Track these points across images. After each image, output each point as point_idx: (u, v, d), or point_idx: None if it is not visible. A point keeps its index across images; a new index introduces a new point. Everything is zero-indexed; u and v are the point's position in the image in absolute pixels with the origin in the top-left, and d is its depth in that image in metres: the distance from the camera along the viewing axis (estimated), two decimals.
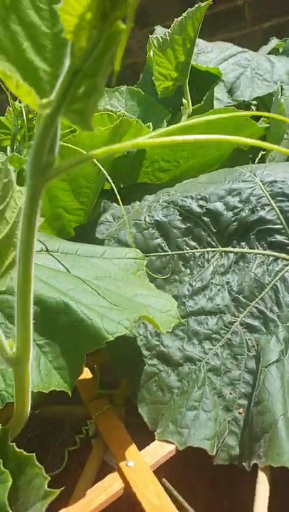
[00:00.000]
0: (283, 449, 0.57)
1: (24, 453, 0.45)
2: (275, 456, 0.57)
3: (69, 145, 0.63)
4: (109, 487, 0.59)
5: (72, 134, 0.66)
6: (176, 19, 0.99)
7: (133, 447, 0.64)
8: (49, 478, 0.43)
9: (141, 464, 0.60)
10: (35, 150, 0.32)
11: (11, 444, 0.45)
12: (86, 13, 0.28)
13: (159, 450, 0.63)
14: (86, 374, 0.81)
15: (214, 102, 1.18)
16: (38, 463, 0.44)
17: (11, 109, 0.67)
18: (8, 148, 0.70)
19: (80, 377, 0.79)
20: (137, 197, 0.88)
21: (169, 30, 1.01)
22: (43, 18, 0.31)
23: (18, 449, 0.45)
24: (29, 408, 0.51)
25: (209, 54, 1.27)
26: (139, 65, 1.30)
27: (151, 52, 1.08)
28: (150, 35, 1.02)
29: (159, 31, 1.27)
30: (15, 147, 0.72)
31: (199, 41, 1.28)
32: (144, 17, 2.51)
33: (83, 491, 0.60)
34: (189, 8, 0.97)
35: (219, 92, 1.21)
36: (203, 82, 1.20)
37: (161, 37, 1.00)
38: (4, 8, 0.29)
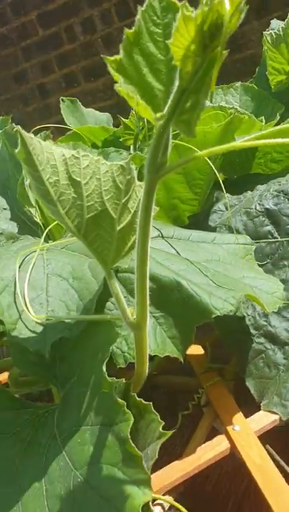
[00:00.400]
0: None
1: (143, 401, 0.54)
2: None
3: (184, 143, 0.71)
4: (217, 446, 0.67)
5: None
6: None
7: (240, 415, 0.71)
8: (163, 422, 0.52)
9: (246, 429, 0.67)
10: (152, 152, 0.40)
11: (133, 394, 0.55)
12: (191, 45, 0.35)
13: (264, 419, 0.69)
14: (198, 350, 0.89)
15: None
16: (154, 410, 0.53)
17: (134, 112, 0.77)
18: (131, 146, 0.80)
19: (193, 353, 0.89)
20: (249, 187, 0.94)
21: (283, 24, 1.03)
22: (159, 48, 0.39)
23: (138, 399, 0.54)
24: (147, 369, 0.60)
25: None
26: (258, 57, 1.33)
27: (265, 46, 1.11)
28: (264, 32, 1.05)
29: (274, 24, 1.29)
30: (137, 146, 0.82)
31: None
32: (264, 6, 2.50)
33: (194, 448, 0.69)
34: None
35: None
36: None
37: (275, 32, 1.03)
38: (129, 43, 0.38)
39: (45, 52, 3.16)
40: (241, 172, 0.99)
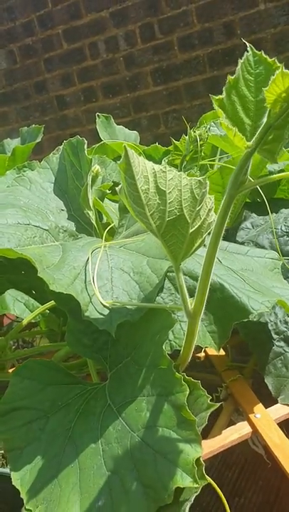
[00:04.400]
0: None
1: (192, 379, 0.64)
2: None
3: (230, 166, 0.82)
4: (241, 429, 0.76)
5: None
6: None
7: (260, 405, 0.81)
8: (210, 397, 0.62)
9: (266, 416, 0.77)
10: (236, 173, 0.51)
11: (183, 373, 0.65)
12: (282, 93, 0.46)
13: (281, 410, 0.79)
14: (220, 352, 0.99)
15: None
16: (202, 387, 0.63)
17: (186, 137, 0.88)
18: (178, 166, 0.91)
19: (215, 354, 0.98)
20: (274, 210, 1.05)
21: None
22: (251, 91, 0.50)
23: (187, 377, 0.64)
24: (191, 354, 0.70)
25: None
26: None
27: None
28: None
29: None
30: (183, 165, 0.93)
31: None
32: (284, 43, 2.66)
33: (219, 431, 0.78)
34: None
35: None
36: None
37: None
38: (230, 86, 0.49)
39: (67, 66, 3.30)
40: (267, 196, 1.10)
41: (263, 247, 0.96)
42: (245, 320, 0.77)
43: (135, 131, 1.71)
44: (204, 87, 2.88)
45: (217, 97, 0.49)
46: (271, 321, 0.88)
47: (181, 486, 0.55)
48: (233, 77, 0.49)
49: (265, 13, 2.66)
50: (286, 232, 0.95)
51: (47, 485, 0.64)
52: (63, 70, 3.33)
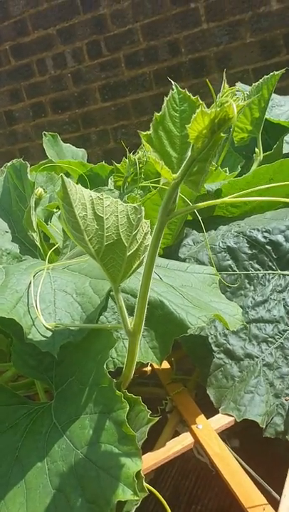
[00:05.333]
0: None
1: (133, 396, 0.67)
2: None
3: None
4: (184, 440, 0.80)
5: None
6: (254, 84, 1.22)
7: (202, 416, 0.84)
8: (150, 412, 0.65)
9: (207, 427, 0.81)
10: (165, 201, 0.55)
11: (124, 390, 0.68)
12: (203, 130, 0.50)
13: (222, 420, 0.83)
14: (165, 365, 1.03)
15: (285, 146, 1.38)
16: (142, 403, 0.66)
17: (126, 159, 0.92)
18: (121, 188, 0.95)
19: (161, 368, 1.02)
20: (213, 227, 1.10)
21: (248, 91, 1.23)
22: (176, 127, 0.54)
23: (128, 394, 0.67)
24: (133, 371, 0.73)
25: (282, 107, 1.48)
26: None
27: None
28: (250, 100, 1.25)
29: (239, 87, 1.49)
30: (125, 187, 0.96)
31: (275, 96, 1.49)
32: (226, 61, 2.77)
33: (163, 444, 0.81)
34: (265, 76, 1.19)
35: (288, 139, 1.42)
36: (274, 131, 1.41)
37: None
38: (156, 122, 0.53)
39: (16, 81, 3.29)
40: (207, 214, 1.16)
41: (203, 263, 1.00)
42: (187, 334, 0.81)
43: (83, 149, 1.73)
44: (151, 103, 2.95)
45: (144, 133, 0.52)
46: (211, 334, 0.92)
47: (123, 500, 0.57)
48: (159, 114, 0.53)
49: (207, 32, 2.77)
50: (223, 248, 1.00)
51: None
52: (11, 86, 3.33)
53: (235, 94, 0.49)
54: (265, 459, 0.90)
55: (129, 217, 0.61)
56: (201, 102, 0.50)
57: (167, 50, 2.86)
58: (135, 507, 0.59)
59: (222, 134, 0.51)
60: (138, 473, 0.59)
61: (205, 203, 0.54)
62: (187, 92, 0.54)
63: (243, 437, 0.99)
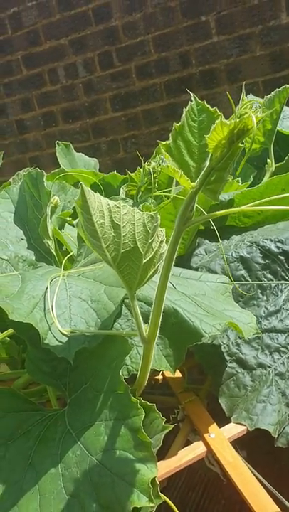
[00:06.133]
0: None
1: (148, 403, 0.67)
2: None
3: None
4: (196, 449, 0.80)
5: None
6: (266, 96, 1.23)
7: (214, 425, 0.84)
8: (165, 419, 0.65)
9: (220, 436, 0.81)
10: (183, 210, 0.56)
11: (139, 397, 0.68)
12: (222, 140, 0.51)
13: (234, 429, 0.83)
14: (177, 374, 1.03)
15: None
16: (157, 410, 0.66)
17: (140, 169, 0.93)
18: (134, 197, 0.96)
19: (172, 376, 1.02)
20: (225, 236, 1.11)
21: (260, 104, 1.24)
22: (194, 137, 0.55)
23: (143, 401, 0.67)
24: (147, 378, 0.74)
25: None
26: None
27: None
28: (268, 112, 1.26)
29: (251, 98, 1.51)
30: (139, 196, 0.97)
31: (286, 108, 1.51)
32: (236, 74, 2.79)
33: (175, 452, 0.81)
34: (277, 89, 1.20)
35: None
36: (285, 143, 1.42)
37: None
38: (175, 132, 0.54)
39: (27, 91, 3.33)
40: (219, 223, 1.16)
41: (215, 272, 1.01)
42: (200, 343, 0.82)
43: (94, 159, 1.75)
44: (161, 113, 2.97)
45: (164, 143, 0.53)
46: (224, 344, 0.92)
47: (138, 506, 0.58)
48: (178, 124, 0.54)
49: (218, 44, 2.80)
50: (236, 258, 1.01)
51: None
52: (23, 95, 3.37)
53: (253, 107, 0.50)
54: (272, 470, 0.89)
55: (146, 225, 0.62)
56: (219, 113, 0.51)
57: (178, 62, 2.89)
58: None
59: (240, 145, 0.51)
60: (153, 480, 0.59)
61: (223, 211, 0.54)
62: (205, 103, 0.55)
63: (251, 448, 0.99)
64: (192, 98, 0.55)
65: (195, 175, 0.55)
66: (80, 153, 1.70)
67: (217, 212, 0.55)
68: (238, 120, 0.49)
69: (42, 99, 3.30)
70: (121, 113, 3.10)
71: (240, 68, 2.77)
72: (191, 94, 0.56)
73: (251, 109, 0.49)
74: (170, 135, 0.55)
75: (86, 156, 1.72)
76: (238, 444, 0.92)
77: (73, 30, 3.09)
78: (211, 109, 0.55)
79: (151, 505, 0.57)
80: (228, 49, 2.77)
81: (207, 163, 0.53)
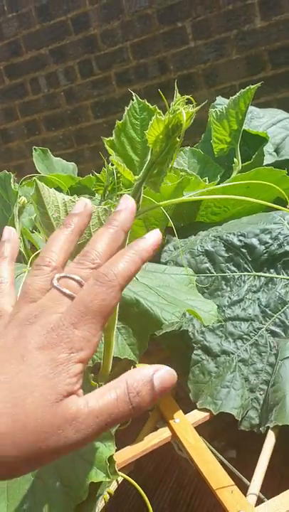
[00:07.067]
0: (287, 413, 0.79)
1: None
2: (281, 418, 0.80)
3: (146, 196, 0.91)
4: (161, 434, 0.83)
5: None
6: (231, 98, 1.28)
7: (180, 412, 0.88)
8: None
9: (184, 421, 0.85)
10: None
11: (100, 383, 0.72)
12: (159, 135, 0.55)
13: (198, 415, 0.87)
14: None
15: (266, 157, 1.44)
16: None
17: (105, 169, 0.97)
18: (101, 196, 1.00)
19: (139, 364, 1.05)
20: (193, 232, 1.15)
21: (226, 104, 1.29)
22: (137, 133, 0.59)
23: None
24: (110, 367, 0.77)
25: (261, 119, 1.54)
26: (204, 119, 1.51)
27: (211, 119, 1.36)
28: (210, 109, 1.31)
29: (219, 101, 1.56)
30: (106, 195, 1.01)
31: (254, 108, 1.56)
32: (213, 78, 2.85)
33: (143, 438, 0.85)
34: (242, 90, 1.25)
35: (269, 150, 1.48)
36: (254, 142, 1.47)
37: (219, 110, 1.28)
38: (118, 129, 0.58)
39: (10, 100, 3.38)
40: (187, 220, 1.21)
41: (182, 266, 1.05)
42: (168, 332, 0.86)
43: (73, 163, 1.79)
44: None
45: (108, 139, 0.58)
46: (189, 332, 0.96)
47: (96, 481, 0.61)
48: (121, 122, 0.58)
49: (195, 49, 2.85)
50: (201, 251, 1.05)
51: None
52: (6, 105, 3.41)
53: (187, 103, 0.54)
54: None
55: (100, 218, 0.66)
56: (158, 110, 0.56)
57: (156, 68, 2.95)
58: (110, 489, 0.63)
59: (177, 139, 0.56)
60: (110, 458, 0.63)
61: (168, 201, 0.58)
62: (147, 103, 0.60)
63: (239, 448, 1.02)
64: (133, 97, 0.59)
65: (139, 169, 0.59)
66: (58, 158, 1.74)
67: (163, 202, 0.59)
68: (171, 116, 0.53)
69: (25, 108, 3.35)
70: (103, 119, 3.15)
71: (217, 72, 2.83)
72: (132, 92, 0.61)
73: (184, 105, 0.54)
74: (113, 131, 0.59)
75: (64, 161, 1.76)
76: (227, 444, 0.96)
77: (53, 39, 3.14)
78: (151, 107, 0.59)
79: (108, 480, 0.60)
80: (205, 54, 2.83)
81: (148, 157, 0.58)
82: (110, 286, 0.40)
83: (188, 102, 0.55)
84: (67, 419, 0.35)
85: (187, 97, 0.53)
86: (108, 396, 0.37)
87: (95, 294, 0.39)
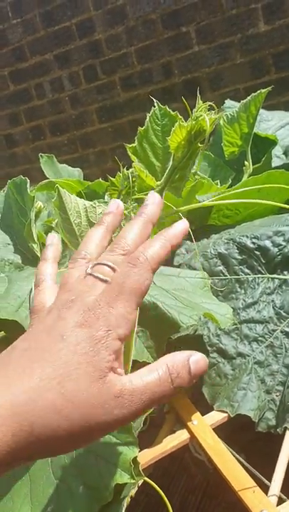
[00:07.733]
0: None
1: None
2: None
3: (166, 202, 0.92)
4: (180, 436, 0.84)
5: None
6: (242, 101, 1.29)
7: (197, 414, 0.88)
8: None
9: (202, 422, 0.85)
10: None
11: None
12: (182, 141, 0.56)
13: (216, 416, 0.87)
14: None
15: (274, 160, 1.45)
16: None
17: (120, 174, 0.98)
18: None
19: None
20: (205, 235, 1.16)
21: (237, 108, 1.30)
22: (158, 139, 0.60)
23: None
24: (130, 369, 0.78)
25: (269, 122, 1.55)
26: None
27: (221, 122, 1.37)
28: (221, 113, 1.31)
29: (228, 104, 1.57)
30: (120, 199, 1.02)
31: (262, 111, 1.57)
32: (218, 82, 2.86)
33: (161, 440, 0.86)
34: (253, 94, 1.26)
35: (277, 152, 1.48)
36: (263, 144, 1.48)
37: (230, 113, 1.29)
38: (141, 136, 0.59)
39: (15, 106, 3.40)
40: (200, 224, 1.21)
41: (195, 269, 1.06)
42: (183, 335, 0.86)
43: (78, 169, 1.80)
44: None
45: (130, 145, 0.58)
46: (205, 335, 0.97)
47: (120, 483, 0.62)
48: (143, 128, 0.59)
49: (199, 54, 2.87)
50: (215, 254, 1.06)
51: (1, 500, 0.69)
52: (11, 110, 3.43)
53: (209, 109, 0.55)
54: (271, 471, 0.93)
55: (120, 223, 0.67)
56: (180, 116, 0.57)
57: (161, 72, 2.96)
58: (133, 491, 0.63)
59: (199, 145, 0.57)
60: (134, 459, 0.64)
61: (186, 206, 0.59)
62: (177, 112, 0.61)
63: (249, 451, 1.03)
64: (155, 104, 0.60)
65: (160, 174, 0.60)
66: (64, 165, 1.75)
67: (181, 208, 0.60)
68: (194, 122, 0.54)
69: (29, 114, 3.36)
70: (107, 124, 3.17)
71: (221, 76, 2.84)
72: (155, 100, 0.62)
73: (206, 111, 0.54)
74: (136, 138, 0.60)
75: (69, 167, 1.77)
76: (237, 447, 0.96)
77: (58, 45, 3.16)
78: (172, 113, 0.60)
79: (133, 481, 0.61)
80: (209, 58, 2.84)
81: (170, 163, 0.58)
82: (142, 268, 0.42)
83: (210, 108, 0.56)
84: (112, 395, 0.37)
85: (209, 103, 0.54)
86: (151, 376, 0.39)
87: (128, 275, 0.41)
